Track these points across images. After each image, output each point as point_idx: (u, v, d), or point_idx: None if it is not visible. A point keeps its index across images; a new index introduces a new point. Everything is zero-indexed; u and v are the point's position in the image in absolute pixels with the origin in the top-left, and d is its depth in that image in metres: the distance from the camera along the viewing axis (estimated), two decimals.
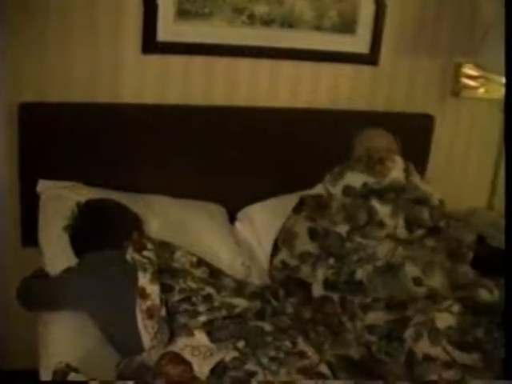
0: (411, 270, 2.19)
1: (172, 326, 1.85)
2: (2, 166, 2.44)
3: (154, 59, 2.52)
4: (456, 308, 2.02)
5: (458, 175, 3.15)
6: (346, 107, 2.82)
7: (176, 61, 2.56)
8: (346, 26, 2.73)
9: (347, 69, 2.81)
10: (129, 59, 2.49)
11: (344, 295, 2.15)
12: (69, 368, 1.69)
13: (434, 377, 1.79)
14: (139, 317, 1.82)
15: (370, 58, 2.81)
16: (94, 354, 1.87)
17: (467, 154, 3.14)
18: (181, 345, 1.77)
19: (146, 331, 1.80)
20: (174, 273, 2.01)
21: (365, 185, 2.35)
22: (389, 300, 2.11)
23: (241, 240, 2.51)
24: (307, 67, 2.75)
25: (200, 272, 2.11)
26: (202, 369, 1.70)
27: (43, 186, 2.38)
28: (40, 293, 2.12)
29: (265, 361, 1.77)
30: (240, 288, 2.16)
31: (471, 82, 2.99)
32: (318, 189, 2.42)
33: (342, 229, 2.30)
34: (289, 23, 2.65)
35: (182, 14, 2.50)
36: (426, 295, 2.14)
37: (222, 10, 2.54)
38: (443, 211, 2.49)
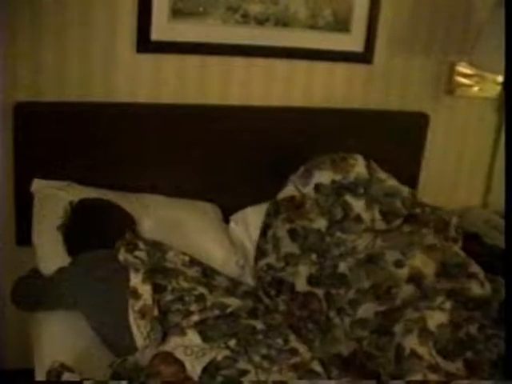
0: (391, 254, 2.21)
1: (164, 325, 1.85)
2: None
3: (149, 58, 2.52)
4: (448, 305, 2.03)
5: (453, 173, 3.16)
6: (340, 106, 2.83)
7: (170, 60, 2.56)
8: (341, 24, 2.73)
9: (341, 67, 2.81)
10: (123, 58, 2.49)
11: (328, 290, 2.17)
12: (63, 367, 1.69)
13: (419, 375, 1.79)
14: (132, 317, 1.83)
15: (365, 57, 2.81)
16: (88, 353, 1.88)
17: (462, 152, 3.14)
18: (173, 344, 1.78)
19: (139, 331, 1.81)
20: (166, 273, 2.02)
21: (333, 182, 2.44)
22: (374, 289, 2.12)
23: (235, 239, 2.51)
24: (302, 66, 2.75)
25: (193, 272, 2.11)
26: (194, 368, 1.71)
27: (37, 186, 2.38)
28: (34, 293, 2.13)
29: (257, 359, 1.78)
30: (233, 287, 2.17)
31: (465, 81, 2.99)
32: (290, 190, 2.46)
33: (321, 224, 2.35)
34: (283, 22, 2.65)
35: (176, 13, 2.50)
36: (408, 276, 2.15)
37: (216, 9, 2.54)
38: (416, 200, 2.54)
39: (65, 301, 2.01)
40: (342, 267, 2.21)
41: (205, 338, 1.81)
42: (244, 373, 1.72)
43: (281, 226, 2.37)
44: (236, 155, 2.64)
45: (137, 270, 1.92)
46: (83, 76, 2.46)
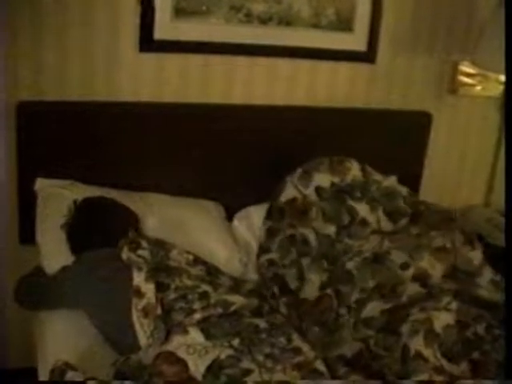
0: (398, 256, 2.21)
1: (168, 324, 1.85)
2: (1, 164, 2.44)
3: (151, 57, 2.52)
4: (454, 305, 2.03)
5: (455, 172, 3.16)
6: (343, 105, 2.83)
7: (173, 59, 2.56)
8: (344, 23, 2.73)
9: (344, 67, 2.81)
10: (126, 58, 2.49)
11: (338, 288, 2.17)
12: (66, 366, 1.69)
13: (424, 376, 1.79)
14: (135, 315, 1.83)
15: (368, 56, 2.81)
16: (91, 352, 1.88)
17: (464, 152, 3.14)
18: (176, 343, 1.78)
19: (142, 330, 1.81)
20: (169, 271, 2.02)
21: (333, 184, 2.46)
22: (379, 288, 2.12)
23: (238, 238, 2.52)
24: (304, 65, 2.75)
25: (196, 270, 2.11)
26: (197, 367, 1.71)
27: (41, 185, 2.39)
28: (37, 291, 2.13)
29: (260, 358, 1.78)
30: (237, 285, 2.17)
31: (468, 80, 2.99)
32: (291, 192, 2.46)
33: (330, 230, 2.35)
34: (286, 21, 2.65)
35: (179, 12, 2.50)
36: (414, 275, 2.15)
37: (219, 8, 2.54)
38: (417, 199, 2.56)
39: (68, 299, 2.02)
40: (349, 265, 2.22)
41: (208, 335, 1.81)
42: (247, 372, 1.72)
43: (286, 232, 2.38)
44: (238, 154, 2.64)
45: (140, 269, 1.92)
46: (86, 75, 2.46)
